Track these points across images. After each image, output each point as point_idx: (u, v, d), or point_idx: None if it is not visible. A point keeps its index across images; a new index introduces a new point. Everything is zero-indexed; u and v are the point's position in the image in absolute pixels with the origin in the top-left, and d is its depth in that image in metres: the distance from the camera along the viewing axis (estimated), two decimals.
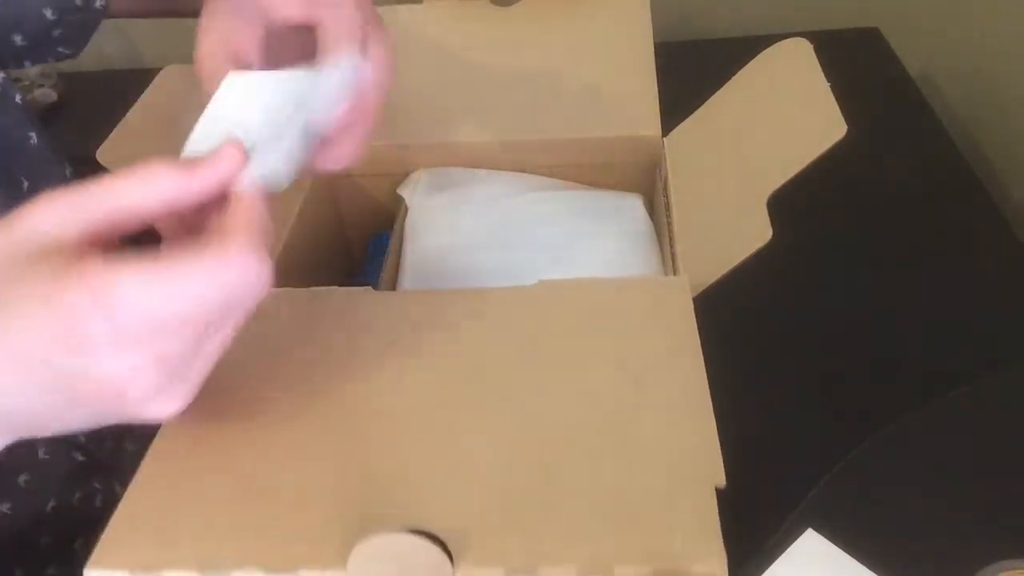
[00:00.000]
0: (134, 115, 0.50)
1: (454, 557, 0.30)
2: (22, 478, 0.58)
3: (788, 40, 0.50)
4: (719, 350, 0.71)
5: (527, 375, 0.39)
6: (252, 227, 0.32)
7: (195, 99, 0.49)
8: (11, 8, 0.55)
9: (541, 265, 0.54)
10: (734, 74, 0.55)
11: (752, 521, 0.50)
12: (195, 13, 0.50)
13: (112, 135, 0.47)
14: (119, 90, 0.58)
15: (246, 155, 0.34)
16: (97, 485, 0.63)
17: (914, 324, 0.71)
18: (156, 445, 0.37)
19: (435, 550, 0.29)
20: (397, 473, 0.34)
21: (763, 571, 0.46)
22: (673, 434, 0.35)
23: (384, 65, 0.42)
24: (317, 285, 0.46)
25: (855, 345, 0.69)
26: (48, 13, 0.57)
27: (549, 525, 0.32)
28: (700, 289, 0.44)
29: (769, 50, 0.51)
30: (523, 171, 0.60)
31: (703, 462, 0.33)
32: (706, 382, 0.37)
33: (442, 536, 0.30)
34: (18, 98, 0.58)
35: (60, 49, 0.61)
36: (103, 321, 0.29)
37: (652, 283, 0.43)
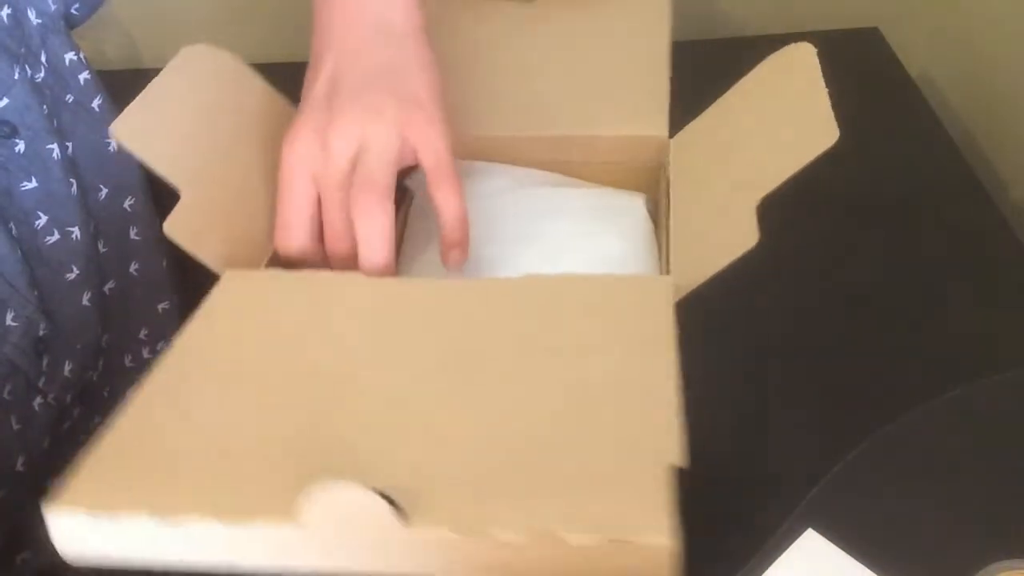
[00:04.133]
0: (152, 90, 0.50)
1: (406, 515, 0.30)
2: (20, 460, 0.58)
3: (794, 45, 0.51)
4: (719, 350, 0.71)
5: (500, 358, 0.40)
6: None
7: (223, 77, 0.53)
8: None
9: (536, 260, 0.54)
10: (729, 75, 0.56)
11: (752, 521, 0.50)
12: None
13: (129, 108, 0.48)
14: (119, 90, 0.58)
15: None
16: None
17: (914, 324, 0.71)
18: (131, 399, 0.37)
19: (385, 506, 0.30)
20: (359, 435, 0.35)
21: (763, 571, 0.46)
22: (637, 418, 0.35)
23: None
24: None
25: (855, 345, 0.69)
26: None
27: (504, 492, 0.32)
28: (686, 291, 0.44)
29: (776, 54, 0.52)
30: (531, 166, 0.61)
31: (663, 443, 0.34)
32: (677, 375, 0.38)
33: (395, 494, 0.30)
34: (96, 102, 0.58)
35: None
36: None
37: (636, 282, 0.44)
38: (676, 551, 0.30)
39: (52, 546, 0.32)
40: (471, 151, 0.61)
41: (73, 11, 0.58)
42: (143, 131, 0.48)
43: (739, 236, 0.42)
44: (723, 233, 0.45)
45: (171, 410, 0.37)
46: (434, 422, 0.36)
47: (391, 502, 0.30)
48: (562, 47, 0.67)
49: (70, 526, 0.32)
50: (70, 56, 0.58)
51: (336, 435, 0.35)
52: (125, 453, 0.34)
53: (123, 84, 0.57)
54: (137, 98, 0.49)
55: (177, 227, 0.48)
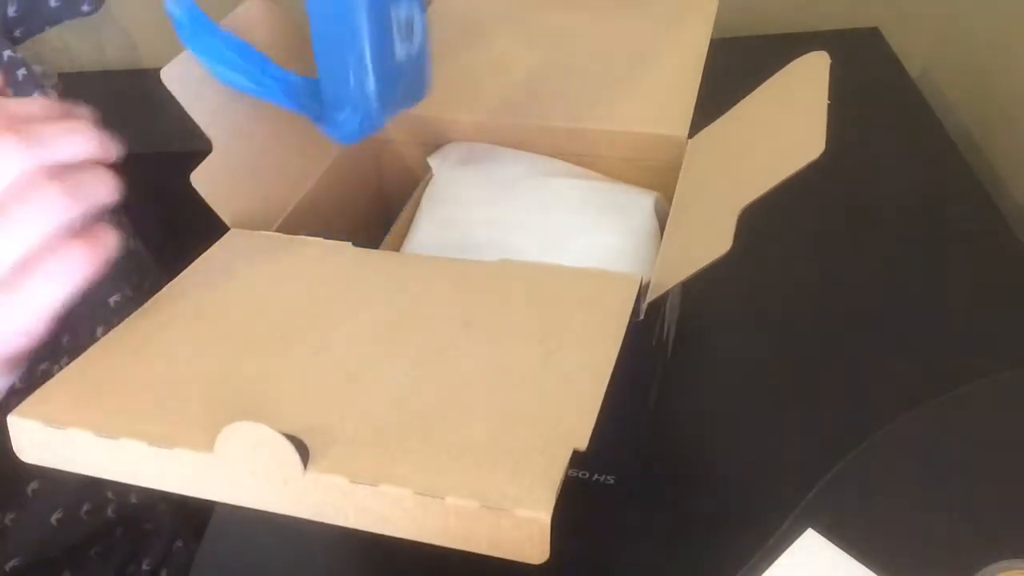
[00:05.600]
0: None
1: (309, 458, 0.33)
2: (31, 487, 0.58)
3: (813, 54, 0.51)
4: (719, 349, 0.71)
5: (443, 333, 0.41)
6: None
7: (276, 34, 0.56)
8: None
9: (536, 250, 0.55)
10: (728, 75, 0.56)
11: (752, 521, 0.50)
12: None
13: (179, 57, 0.49)
14: (119, 90, 0.58)
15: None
16: (110, 495, 0.63)
17: (914, 324, 0.71)
18: (107, 335, 0.41)
19: (290, 448, 0.33)
20: (287, 383, 0.39)
21: (763, 571, 0.46)
22: (554, 403, 0.37)
23: None
24: (356, 232, 0.51)
25: (855, 344, 0.70)
26: None
27: (404, 450, 0.34)
28: (661, 291, 0.44)
29: (795, 62, 0.52)
30: (551, 155, 0.62)
31: (573, 428, 0.35)
32: (611, 368, 0.39)
33: (304, 438, 0.33)
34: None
35: (84, 7, 0.62)
36: None
37: (605, 277, 0.45)
38: (547, 526, 0.32)
39: None
40: (498, 136, 0.63)
41: (11, 13, 0.58)
42: (191, 80, 0.49)
43: (715, 242, 0.42)
44: (703, 238, 0.46)
45: (133, 345, 0.41)
46: (358, 380, 0.39)
47: (300, 445, 0.33)
48: (598, 40, 0.68)
49: (28, 433, 0.36)
50: (7, 53, 0.58)
51: (268, 381, 0.39)
52: (84, 377, 0.39)
53: (123, 84, 0.57)
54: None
55: (203, 179, 0.49)
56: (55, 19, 0.63)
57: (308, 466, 0.33)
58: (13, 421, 0.36)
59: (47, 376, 0.37)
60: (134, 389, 0.38)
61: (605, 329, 0.41)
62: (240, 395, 0.38)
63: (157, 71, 0.48)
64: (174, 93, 0.48)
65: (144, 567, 0.69)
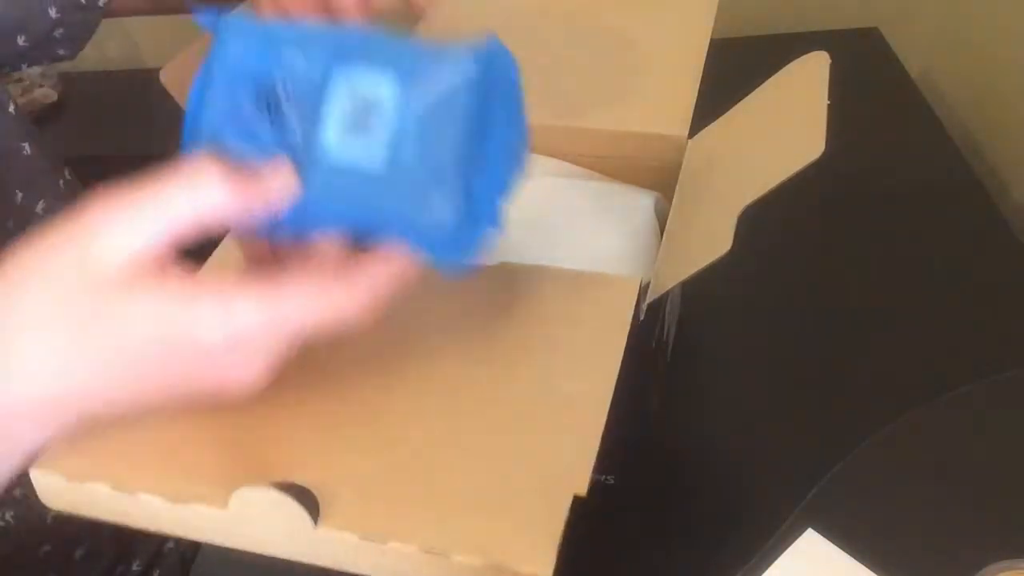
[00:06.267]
0: (203, 40, 0.50)
1: (320, 514, 0.34)
2: (18, 491, 0.57)
3: (813, 53, 0.51)
4: (720, 350, 0.71)
5: (447, 360, 0.41)
6: (388, 287, 0.34)
7: None
8: (17, 8, 0.56)
9: (534, 249, 0.55)
10: (727, 75, 0.56)
11: (752, 521, 0.50)
12: (190, 10, 0.50)
13: (178, 57, 0.48)
14: (119, 90, 0.58)
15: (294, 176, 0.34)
16: None
17: (914, 324, 0.71)
18: None
19: (300, 508, 0.34)
20: (292, 429, 0.39)
21: (763, 571, 0.46)
22: (556, 439, 0.37)
23: None
24: None
25: (855, 344, 0.70)
26: (52, 12, 0.57)
27: (412, 503, 0.35)
28: (661, 291, 0.44)
29: (795, 62, 0.52)
30: (551, 155, 0.61)
31: (572, 471, 0.36)
32: (611, 389, 0.39)
33: (315, 489, 0.35)
34: (12, 108, 0.58)
35: (59, 51, 0.61)
36: (221, 337, 0.32)
37: (604, 280, 0.45)
38: None
39: None
40: None
41: None
42: (189, 80, 0.48)
43: (715, 242, 0.42)
44: (703, 238, 0.45)
45: None
46: (362, 423, 0.39)
47: (311, 500, 0.34)
48: (599, 39, 0.68)
49: (51, 485, 0.37)
50: None
51: (276, 427, 0.39)
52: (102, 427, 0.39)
53: (123, 84, 0.57)
54: (189, 47, 0.49)
55: None
56: (30, 60, 0.62)
57: (319, 522, 0.34)
58: (36, 475, 0.37)
59: None
60: (149, 440, 0.38)
61: (605, 345, 0.41)
62: (250, 448, 0.38)
63: (157, 71, 0.48)
64: (173, 94, 0.48)
65: (135, 567, 0.69)
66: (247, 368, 0.34)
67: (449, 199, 0.34)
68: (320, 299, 0.33)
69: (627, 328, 0.42)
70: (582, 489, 0.35)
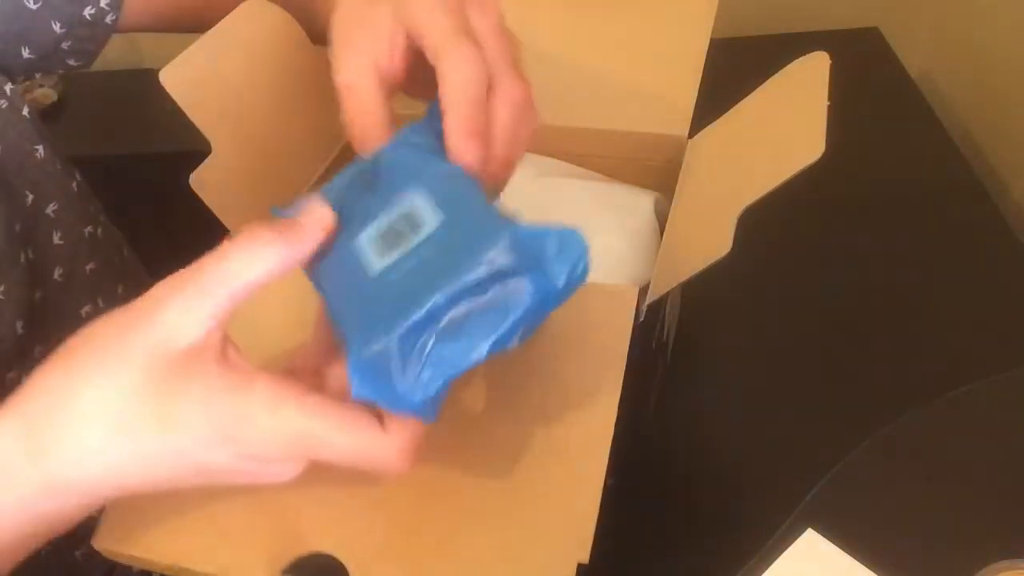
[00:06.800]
0: (205, 42, 0.50)
1: None
2: None
3: (813, 54, 0.51)
4: (720, 351, 0.71)
5: (451, 415, 0.40)
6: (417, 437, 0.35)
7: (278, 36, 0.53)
8: (19, 23, 0.55)
9: None
10: (726, 75, 0.56)
11: (752, 521, 0.50)
12: (201, 29, 0.50)
13: (180, 57, 0.48)
14: (119, 90, 0.58)
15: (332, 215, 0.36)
16: None
17: (914, 324, 0.71)
18: None
19: None
20: (318, 499, 0.40)
21: (763, 571, 0.46)
22: (558, 501, 0.38)
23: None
24: None
25: (855, 345, 0.70)
26: (56, 27, 0.57)
27: (428, 572, 0.38)
28: (661, 292, 0.44)
29: (795, 63, 0.52)
30: (551, 155, 0.61)
31: (575, 537, 0.37)
32: (612, 428, 0.39)
33: (344, 559, 0.37)
34: (26, 111, 0.57)
35: (70, 61, 0.61)
36: (269, 435, 0.34)
37: (600, 291, 0.45)
38: None
39: None
40: None
41: None
42: (190, 82, 0.49)
43: (714, 243, 0.42)
44: (703, 239, 0.45)
45: None
46: (377, 492, 0.40)
47: (340, 570, 0.37)
48: (599, 39, 0.68)
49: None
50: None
51: (300, 495, 0.40)
52: (142, 501, 0.39)
53: (123, 84, 0.57)
54: (190, 48, 0.49)
55: (201, 181, 0.48)
56: (40, 70, 0.62)
57: None
58: (105, 552, 0.40)
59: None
60: (191, 519, 0.40)
61: (603, 371, 0.42)
62: (283, 518, 0.40)
63: (157, 71, 0.48)
64: (173, 95, 0.48)
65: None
66: (283, 470, 0.36)
67: (394, 335, 0.33)
68: (363, 450, 0.35)
69: (626, 342, 0.42)
70: (584, 556, 0.36)
